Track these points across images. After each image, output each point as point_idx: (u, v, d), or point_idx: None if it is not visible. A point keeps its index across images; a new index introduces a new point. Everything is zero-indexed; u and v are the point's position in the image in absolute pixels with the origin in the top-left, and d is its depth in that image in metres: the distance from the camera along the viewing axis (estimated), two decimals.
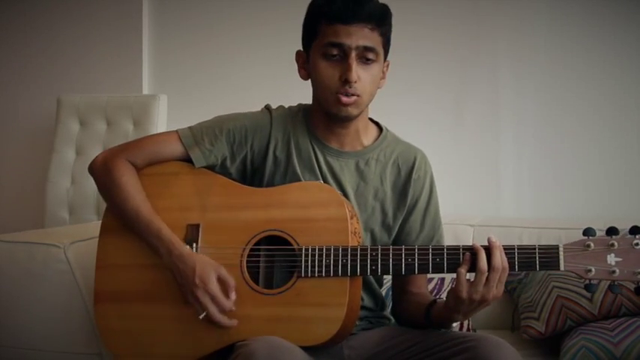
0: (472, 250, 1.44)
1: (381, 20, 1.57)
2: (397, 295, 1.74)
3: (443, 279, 2.30)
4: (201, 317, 1.52)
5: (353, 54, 1.53)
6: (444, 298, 1.52)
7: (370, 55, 1.56)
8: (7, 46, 3.31)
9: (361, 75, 1.55)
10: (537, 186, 2.73)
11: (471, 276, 1.44)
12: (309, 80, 1.65)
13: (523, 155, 2.76)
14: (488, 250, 1.43)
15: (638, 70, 2.65)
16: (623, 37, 2.66)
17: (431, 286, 2.25)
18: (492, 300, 1.43)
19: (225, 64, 3.06)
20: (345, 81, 1.53)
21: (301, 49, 1.65)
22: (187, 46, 3.11)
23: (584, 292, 2.01)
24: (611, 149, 2.67)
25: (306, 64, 1.63)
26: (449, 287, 2.28)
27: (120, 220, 1.64)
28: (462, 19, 2.80)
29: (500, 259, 1.41)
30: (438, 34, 2.81)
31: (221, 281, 1.52)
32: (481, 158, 2.78)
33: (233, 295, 1.52)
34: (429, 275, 2.20)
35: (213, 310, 1.51)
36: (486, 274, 1.41)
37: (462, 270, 1.43)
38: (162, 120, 2.98)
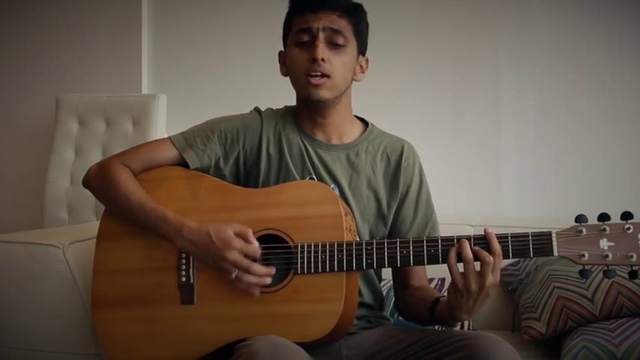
0: (456, 241, 1.46)
1: (350, 11, 1.65)
2: (399, 291, 1.75)
3: (443, 279, 2.29)
4: (233, 277, 1.50)
5: (320, 35, 1.61)
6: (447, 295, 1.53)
7: (339, 40, 1.62)
8: (6, 45, 3.31)
9: (331, 57, 1.61)
10: (538, 185, 2.73)
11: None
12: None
13: (524, 155, 2.76)
14: (479, 240, 1.45)
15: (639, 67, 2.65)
16: (623, 35, 2.66)
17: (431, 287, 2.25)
18: (489, 289, 1.43)
19: (224, 63, 3.06)
20: (313, 60, 1.59)
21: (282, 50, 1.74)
22: (187, 46, 3.11)
23: (585, 292, 2.01)
24: (612, 148, 2.67)
25: (285, 60, 1.70)
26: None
27: (123, 216, 1.64)
28: (462, 17, 2.80)
29: (468, 250, 1.43)
30: (438, 32, 2.81)
31: (238, 234, 1.52)
32: (481, 158, 2.78)
33: (255, 243, 1.51)
34: (430, 275, 2.20)
35: (245, 262, 1.50)
36: (472, 263, 1.42)
37: (452, 255, 1.44)
38: (162, 120, 2.97)
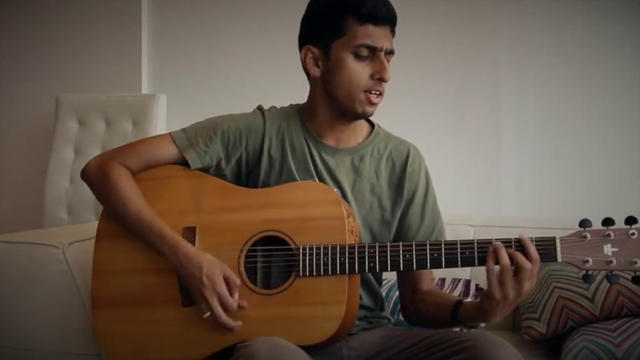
0: (470, 244, 1.45)
1: (395, 25, 1.62)
2: (408, 296, 1.73)
3: (443, 279, 2.29)
4: (205, 317, 1.51)
5: (383, 55, 1.58)
6: (470, 299, 1.52)
7: (391, 59, 1.61)
8: (5, 45, 3.31)
9: None
10: (538, 185, 2.73)
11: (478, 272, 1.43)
12: (307, 78, 1.66)
13: (524, 154, 2.75)
14: (519, 244, 1.42)
15: None
16: (624, 33, 2.66)
17: None
18: (525, 295, 1.42)
19: (224, 63, 3.06)
20: (379, 79, 1.57)
21: (304, 44, 1.64)
22: (186, 46, 3.11)
23: (585, 292, 2.01)
24: (613, 147, 2.67)
25: (320, 61, 1.62)
26: (450, 288, 2.27)
27: (120, 223, 1.63)
28: (463, 15, 2.80)
29: (535, 251, 1.41)
30: (439, 30, 2.81)
31: (227, 280, 1.52)
32: (482, 157, 2.78)
33: (236, 296, 1.52)
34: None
35: (219, 310, 1.50)
36: (510, 270, 1.40)
37: (491, 265, 1.42)
38: (162, 120, 2.97)
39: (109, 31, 3.15)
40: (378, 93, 1.59)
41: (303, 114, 1.70)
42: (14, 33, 3.29)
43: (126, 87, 3.10)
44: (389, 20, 1.59)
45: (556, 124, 2.72)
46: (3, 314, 2.06)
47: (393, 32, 1.61)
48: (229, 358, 1.47)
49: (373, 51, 1.57)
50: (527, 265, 1.40)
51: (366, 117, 1.64)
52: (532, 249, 1.41)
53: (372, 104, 1.59)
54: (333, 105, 1.63)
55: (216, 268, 1.52)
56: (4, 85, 3.31)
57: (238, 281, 1.52)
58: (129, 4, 3.13)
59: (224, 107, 1.79)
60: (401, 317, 1.80)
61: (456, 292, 2.24)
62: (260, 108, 1.73)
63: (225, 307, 1.50)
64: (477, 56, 2.78)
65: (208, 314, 1.51)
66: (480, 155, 2.78)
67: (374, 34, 1.57)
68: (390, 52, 1.60)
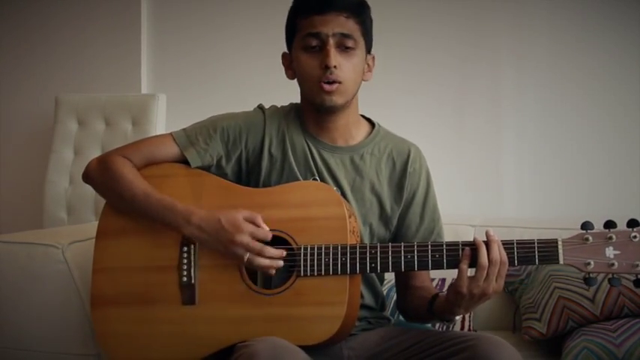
0: (472, 245, 1.45)
1: (357, 9, 1.61)
2: (401, 291, 1.74)
3: (444, 279, 2.29)
4: (245, 259, 1.50)
5: (331, 41, 1.57)
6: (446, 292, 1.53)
7: (349, 43, 1.59)
8: (4, 45, 3.30)
9: (341, 62, 1.58)
10: (539, 186, 2.73)
11: (471, 271, 1.45)
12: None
13: (524, 155, 2.75)
14: (487, 244, 1.44)
15: None
16: (624, 32, 2.66)
17: None
18: (493, 294, 1.44)
19: (224, 63, 3.05)
20: (325, 67, 1.57)
21: (286, 51, 1.69)
22: (186, 45, 3.11)
23: (586, 292, 2.01)
24: (614, 148, 2.67)
25: (291, 64, 1.67)
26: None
27: (128, 209, 1.62)
28: (464, 15, 2.79)
29: (498, 252, 1.43)
30: (440, 30, 2.81)
31: (248, 220, 1.52)
32: (482, 157, 2.78)
33: (265, 226, 1.52)
34: (430, 275, 2.19)
35: (257, 245, 1.50)
36: (487, 268, 1.42)
37: (464, 266, 1.44)
38: (161, 119, 2.97)
39: (109, 30, 3.15)
40: (329, 81, 1.58)
41: (301, 113, 1.71)
42: (14, 33, 3.28)
43: (125, 87, 3.10)
44: (336, 7, 1.58)
45: (557, 123, 2.72)
46: (2, 314, 2.06)
47: (351, 17, 1.59)
48: (229, 358, 1.47)
49: (320, 39, 1.58)
50: (498, 261, 1.42)
51: (331, 108, 1.61)
52: (502, 250, 1.43)
53: (326, 92, 1.58)
54: (308, 101, 1.65)
55: (234, 213, 1.52)
56: (4, 85, 3.30)
57: (259, 215, 1.53)
58: (128, 3, 3.12)
59: (224, 107, 1.79)
60: (401, 317, 1.80)
61: None
62: (260, 107, 1.74)
63: (260, 239, 1.50)
64: (477, 55, 2.78)
65: (247, 255, 1.50)
66: (480, 154, 2.78)
67: (317, 22, 1.58)
68: (345, 36, 1.58)
